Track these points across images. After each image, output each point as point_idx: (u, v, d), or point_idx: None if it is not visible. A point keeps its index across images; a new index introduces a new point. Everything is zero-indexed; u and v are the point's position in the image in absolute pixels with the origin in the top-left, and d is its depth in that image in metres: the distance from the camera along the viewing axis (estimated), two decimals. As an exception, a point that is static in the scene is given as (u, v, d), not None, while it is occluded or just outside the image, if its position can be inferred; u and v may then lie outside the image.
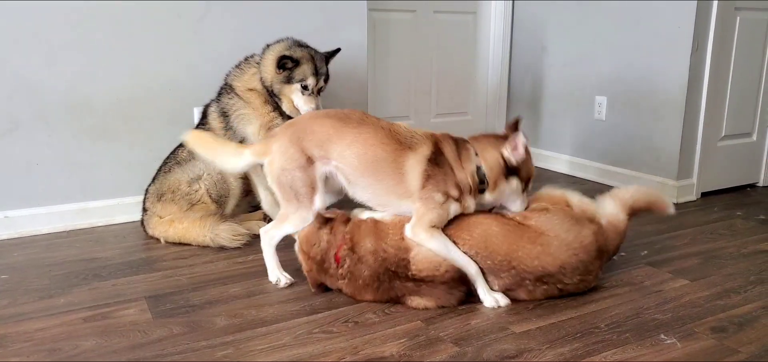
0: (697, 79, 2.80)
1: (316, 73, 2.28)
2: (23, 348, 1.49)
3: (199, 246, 2.19)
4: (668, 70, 2.84)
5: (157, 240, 2.24)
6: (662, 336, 1.58)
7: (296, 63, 2.25)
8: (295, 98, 2.28)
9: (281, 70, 2.25)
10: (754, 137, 3.13)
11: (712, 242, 2.34)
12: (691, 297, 1.83)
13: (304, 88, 2.27)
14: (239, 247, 2.17)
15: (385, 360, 1.45)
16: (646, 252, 2.20)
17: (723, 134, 2.99)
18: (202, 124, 2.41)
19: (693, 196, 2.93)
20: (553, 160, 3.56)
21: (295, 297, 1.79)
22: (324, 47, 2.37)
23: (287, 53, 2.25)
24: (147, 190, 2.34)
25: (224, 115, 2.36)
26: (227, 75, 2.41)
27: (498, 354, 1.49)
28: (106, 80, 2.38)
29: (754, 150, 3.15)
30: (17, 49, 2.21)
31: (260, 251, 1.93)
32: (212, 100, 2.42)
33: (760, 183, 3.22)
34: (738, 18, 2.85)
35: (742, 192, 3.11)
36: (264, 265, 1.93)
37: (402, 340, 1.54)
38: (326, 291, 1.82)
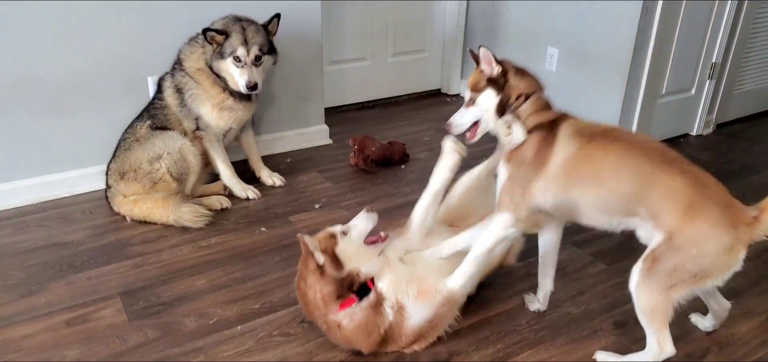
0: (644, 43, 3.00)
1: (246, 43, 2.38)
2: (13, 359, 1.74)
3: (163, 224, 2.41)
4: (617, 32, 3.03)
5: (123, 217, 2.45)
6: (575, 331, 1.93)
7: (226, 35, 2.36)
8: (231, 71, 2.41)
9: (212, 46, 2.37)
10: (693, 91, 3.40)
11: (635, 214, 2.67)
12: (603, 286, 2.17)
13: (237, 59, 2.39)
14: (202, 228, 2.40)
15: (335, 367, 1.76)
16: (571, 225, 2.52)
17: (663, 92, 3.25)
18: (158, 97, 2.54)
19: (629, 153, 3.23)
20: (505, 102, 3.78)
21: (256, 292, 2.06)
22: (277, 7, 2.46)
23: (215, 26, 2.36)
24: (108, 167, 2.50)
25: (179, 91, 2.49)
26: (180, 50, 2.51)
27: (432, 357, 1.81)
28: (56, 57, 2.44)
29: (692, 103, 3.44)
30: (-38, 31, 2.26)
31: (220, 234, 2.20)
32: (167, 73, 2.54)
33: (693, 132, 3.55)
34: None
35: (676, 144, 3.43)
36: (225, 252, 2.21)
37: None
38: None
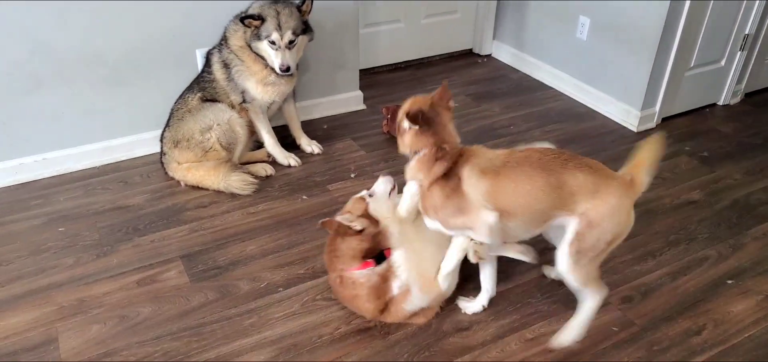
0: (675, 18, 3.12)
1: (280, 28, 2.59)
2: (100, 313, 2.09)
3: (214, 191, 2.72)
4: (649, 6, 3.15)
5: (178, 182, 2.77)
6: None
7: (261, 20, 2.58)
8: (267, 53, 2.65)
9: (250, 29, 2.60)
10: (723, 63, 3.52)
11: (652, 189, 2.79)
12: (615, 262, 2.41)
13: (272, 43, 2.62)
14: (249, 195, 2.71)
15: (370, 330, 2.07)
16: (592, 204, 2.77)
17: (692, 64, 3.38)
18: (207, 71, 2.80)
19: (653, 124, 3.42)
20: (535, 67, 3.96)
21: (301, 258, 2.38)
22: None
23: (251, 12, 2.58)
24: (163, 135, 2.80)
25: (226, 66, 2.75)
26: (226, 27, 2.75)
27: (454, 326, 2.11)
28: (114, 34, 2.71)
29: (721, 73, 3.57)
30: (31, 14, 2.52)
31: (266, 201, 2.58)
32: (214, 48, 2.79)
33: (721, 102, 3.69)
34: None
35: (701, 115, 3.59)
36: (271, 218, 2.53)
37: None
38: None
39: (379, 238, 2.05)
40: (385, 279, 2.02)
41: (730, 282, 2.34)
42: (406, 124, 1.91)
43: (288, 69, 2.65)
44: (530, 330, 2.10)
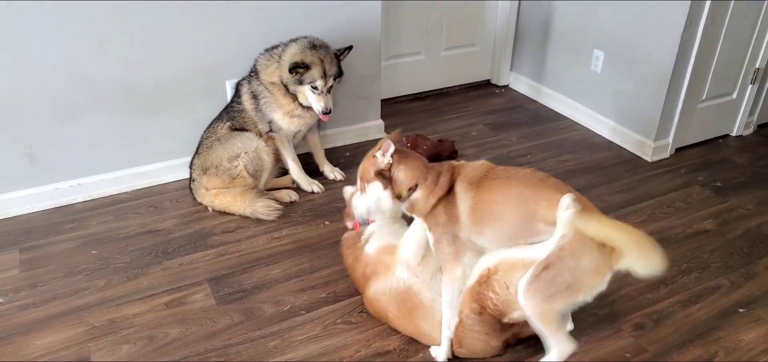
0: (686, 53, 3.16)
1: (325, 76, 2.69)
2: (129, 334, 2.15)
3: (240, 216, 2.78)
4: (660, 41, 3.18)
5: (205, 208, 2.84)
6: (597, 332, 2.22)
7: (306, 68, 2.66)
8: (308, 96, 2.73)
9: (293, 74, 2.68)
10: (734, 95, 3.53)
11: (665, 218, 2.89)
12: (628, 290, 2.43)
13: (314, 88, 2.70)
14: (274, 220, 2.77)
15: (389, 353, 2.11)
16: (606, 232, 2.78)
17: (704, 97, 3.40)
18: (236, 101, 2.88)
19: (666, 154, 3.43)
20: (551, 98, 4.00)
21: (323, 282, 2.42)
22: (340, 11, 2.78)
23: (298, 59, 2.65)
24: (192, 162, 2.89)
25: (254, 97, 2.83)
26: (256, 60, 2.84)
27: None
28: (149, 66, 2.81)
29: (733, 106, 3.58)
30: (73, 47, 2.63)
31: (290, 226, 2.65)
32: (244, 79, 2.87)
33: (733, 134, 3.69)
34: (731, 4, 3.13)
35: (714, 145, 3.60)
36: (294, 243, 2.58)
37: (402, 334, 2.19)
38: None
39: None
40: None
41: (741, 310, 2.34)
42: (384, 157, 1.94)
43: (330, 111, 2.74)
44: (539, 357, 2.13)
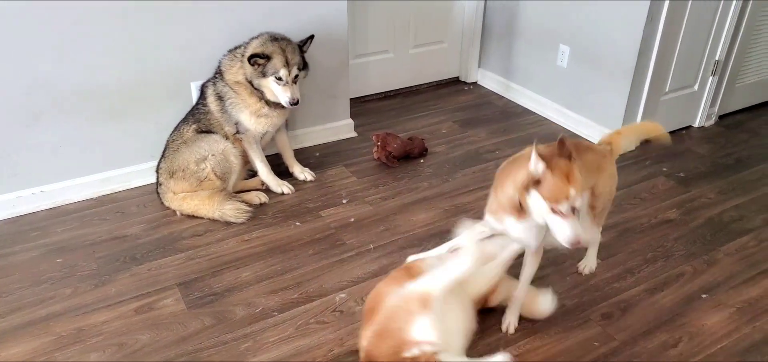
0: (648, 47, 3.26)
1: (288, 65, 2.70)
2: (98, 342, 2.14)
3: (209, 219, 2.78)
4: (624, 35, 3.28)
5: (173, 212, 2.83)
6: (566, 322, 2.28)
7: (267, 58, 2.67)
8: (273, 88, 2.74)
9: (255, 67, 2.68)
10: (696, 87, 3.65)
11: (631, 209, 2.98)
12: (596, 280, 2.50)
13: (278, 79, 2.71)
14: (244, 222, 2.77)
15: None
16: (574, 225, 2.86)
17: (667, 89, 3.51)
18: (202, 103, 2.88)
19: (632, 146, 3.51)
20: (519, 93, 4.08)
21: (295, 283, 2.44)
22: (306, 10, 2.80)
23: (258, 51, 2.67)
24: (158, 166, 2.87)
25: (220, 98, 2.83)
26: (220, 61, 2.84)
27: (443, 344, 2.18)
28: (112, 68, 2.78)
29: (695, 97, 3.70)
30: (30, 49, 2.59)
31: (260, 228, 2.61)
32: (209, 81, 2.87)
33: (696, 125, 3.82)
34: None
35: (677, 137, 3.71)
36: (265, 245, 2.58)
37: (375, 331, 2.22)
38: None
39: None
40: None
41: (704, 296, 2.43)
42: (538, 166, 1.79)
43: (297, 101, 2.74)
44: (512, 347, 2.18)
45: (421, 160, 3.36)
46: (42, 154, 2.78)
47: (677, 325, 2.29)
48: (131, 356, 2.08)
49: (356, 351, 2.12)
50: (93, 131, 2.86)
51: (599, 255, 2.58)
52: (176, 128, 2.89)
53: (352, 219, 2.83)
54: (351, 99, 3.65)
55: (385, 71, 4.07)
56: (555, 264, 2.57)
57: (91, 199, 2.93)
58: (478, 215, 2.90)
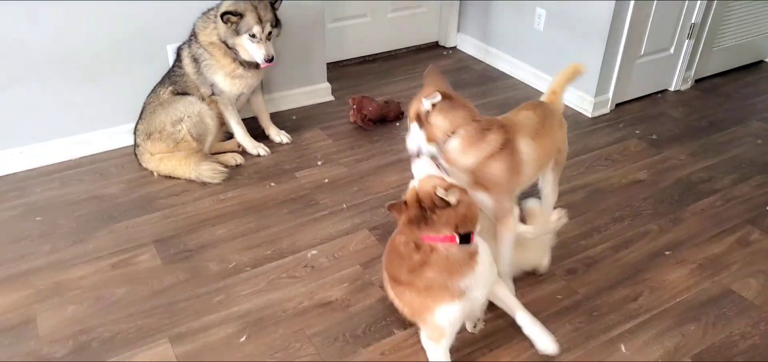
0: (622, 10, 3.31)
1: (261, 21, 2.74)
2: (75, 295, 2.22)
3: (186, 180, 2.85)
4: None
5: (151, 172, 2.89)
6: (532, 276, 2.37)
7: (240, 16, 2.72)
8: (247, 47, 2.78)
9: (228, 25, 2.73)
10: (672, 51, 3.72)
11: (602, 170, 3.06)
12: (563, 237, 2.58)
13: (252, 36, 2.76)
14: (219, 183, 2.85)
15: (331, 303, 2.23)
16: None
17: (642, 53, 3.57)
18: (178, 66, 2.93)
19: (606, 110, 3.60)
20: (497, 58, 4.14)
21: (269, 240, 2.52)
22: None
23: (230, 9, 2.71)
24: (136, 128, 2.93)
25: (195, 61, 2.88)
26: (195, 24, 2.88)
27: (410, 297, 2.27)
28: (86, 31, 2.82)
29: (671, 60, 3.77)
30: (1, 12, 2.62)
31: (235, 188, 2.70)
32: (184, 43, 2.92)
33: (672, 88, 3.89)
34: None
35: (653, 100, 3.79)
36: (240, 205, 2.67)
37: (344, 285, 2.31)
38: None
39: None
40: (467, 259, 1.82)
41: (668, 253, 2.53)
42: (427, 103, 1.93)
43: (272, 58, 2.79)
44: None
45: (397, 124, 3.43)
46: (19, 116, 2.83)
47: (639, 280, 2.38)
48: (107, 309, 2.16)
49: (325, 303, 2.22)
50: (70, 94, 2.91)
51: (568, 214, 2.67)
52: (153, 90, 2.94)
53: (327, 181, 2.91)
54: (329, 63, 3.70)
55: (363, 35, 4.11)
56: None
57: (70, 160, 2.99)
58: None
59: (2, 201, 2.71)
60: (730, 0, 3.76)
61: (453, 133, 1.95)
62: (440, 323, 1.83)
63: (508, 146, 1.98)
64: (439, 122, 1.96)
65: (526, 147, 2.05)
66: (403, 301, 1.93)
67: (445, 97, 1.96)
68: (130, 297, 2.22)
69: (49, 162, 2.95)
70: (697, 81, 4.01)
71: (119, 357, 1.98)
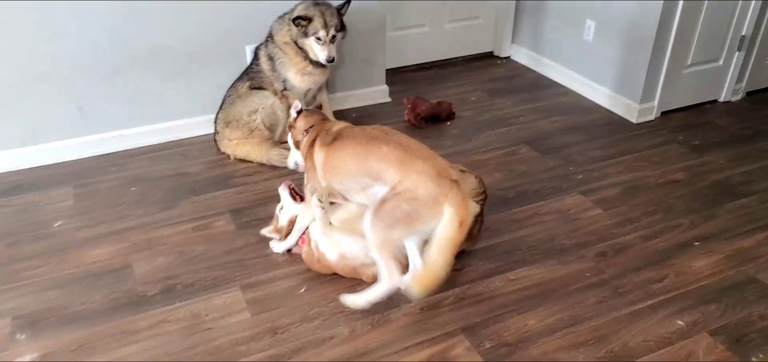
0: (668, 20, 3.51)
1: (326, 26, 3.14)
2: (163, 249, 2.65)
3: (258, 163, 3.27)
4: (644, 8, 3.55)
5: (228, 156, 3.33)
6: (563, 257, 2.62)
7: (309, 20, 3.12)
8: (313, 47, 3.19)
9: (298, 28, 3.14)
10: (721, 62, 3.87)
11: (640, 170, 3.27)
12: (596, 226, 2.82)
13: (318, 39, 3.16)
14: (286, 167, 3.23)
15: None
16: (581, 176, 3.18)
17: (689, 62, 3.75)
18: (255, 63, 3.37)
19: (651, 117, 3.79)
20: (550, 68, 4.40)
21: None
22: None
23: (301, 13, 3.12)
24: (216, 117, 3.38)
25: (271, 59, 3.31)
26: (271, 26, 3.31)
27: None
28: (179, 30, 3.31)
29: (720, 72, 3.92)
30: (112, 9, 3.13)
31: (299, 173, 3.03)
32: (261, 44, 3.35)
33: (721, 99, 4.03)
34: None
35: (701, 110, 3.95)
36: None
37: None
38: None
39: None
40: None
41: (697, 243, 2.71)
42: (293, 112, 2.57)
43: (333, 59, 3.20)
44: (511, 272, 2.54)
45: (448, 123, 3.75)
46: (120, 103, 3.34)
47: (665, 265, 2.59)
48: (189, 261, 2.58)
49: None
50: (162, 85, 3.40)
51: (602, 206, 2.91)
52: (232, 85, 3.39)
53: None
54: (389, 69, 4.07)
55: (422, 43, 4.47)
56: (560, 212, 2.91)
57: (159, 144, 3.48)
58: (492, 170, 3.28)
59: (105, 173, 3.21)
60: (783, 14, 3.89)
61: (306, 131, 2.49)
62: None
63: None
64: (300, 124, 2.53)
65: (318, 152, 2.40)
66: None
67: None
68: (208, 253, 2.63)
69: (142, 144, 3.45)
70: (749, 93, 4.13)
71: (199, 298, 2.38)
